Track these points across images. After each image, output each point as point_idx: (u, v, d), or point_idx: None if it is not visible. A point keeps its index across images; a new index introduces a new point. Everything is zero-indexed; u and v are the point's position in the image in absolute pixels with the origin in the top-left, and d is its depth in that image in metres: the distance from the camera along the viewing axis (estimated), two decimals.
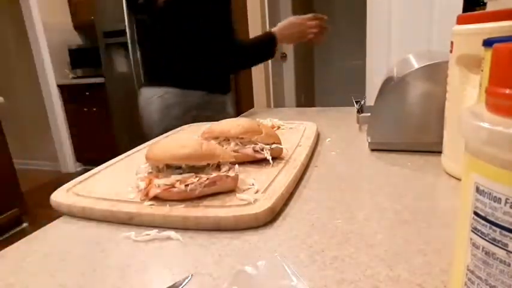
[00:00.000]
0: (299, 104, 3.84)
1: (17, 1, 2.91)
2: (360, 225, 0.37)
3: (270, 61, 3.01)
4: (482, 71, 0.30)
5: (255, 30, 2.81)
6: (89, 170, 0.55)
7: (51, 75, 3.10)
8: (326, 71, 4.57)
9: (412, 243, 0.33)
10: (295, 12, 3.50)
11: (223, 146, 0.53)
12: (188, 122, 0.91)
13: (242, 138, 0.54)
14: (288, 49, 3.50)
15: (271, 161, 0.52)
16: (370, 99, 0.84)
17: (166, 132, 0.82)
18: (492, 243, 0.17)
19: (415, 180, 0.47)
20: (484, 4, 0.43)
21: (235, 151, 0.53)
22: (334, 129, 0.78)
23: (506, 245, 0.16)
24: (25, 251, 0.36)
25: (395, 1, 2.01)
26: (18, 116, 3.36)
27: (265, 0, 2.83)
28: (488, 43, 0.30)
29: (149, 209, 0.40)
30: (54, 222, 0.42)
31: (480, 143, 0.17)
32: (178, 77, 1.01)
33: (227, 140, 0.55)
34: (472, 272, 0.18)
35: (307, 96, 4.33)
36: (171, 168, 0.44)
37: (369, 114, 0.61)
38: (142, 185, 0.42)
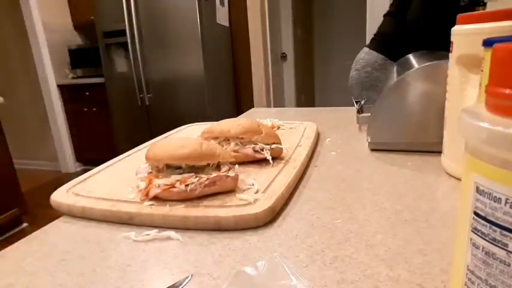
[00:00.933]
0: (299, 104, 3.84)
1: (17, 1, 2.91)
2: (360, 225, 0.37)
3: (269, 61, 3.02)
4: (482, 71, 0.30)
5: (254, 27, 2.82)
6: (89, 170, 0.55)
7: (51, 75, 3.10)
8: (326, 71, 4.57)
9: (412, 243, 0.33)
10: (295, 10, 3.50)
11: (223, 146, 0.53)
12: (361, 76, 1.11)
13: (242, 138, 0.54)
14: (288, 49, 3.50)
15: (271, 161, 0.52)
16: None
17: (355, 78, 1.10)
18: (492, 243, 0.17)
19: (415, 180, 0.47)
20: (484, 4, 0.43)
21: (235, 151, 0.53)
22: (334, 129, 0.78)
23: (506, 245, 0.16)
24: (25, 251, 0.36)
25: None
26: (18, 116, 3.36)
27: None
28: (488, 43, 0.30)
29: (149, 209, 0.40)
30: (54, 222, 0.42)
31: (480, 142, 0.17)
32: (376, 38, 1.17)
33: (227, 140, 0.55)
34: (472, 272, 0.18)
35: (307, 96, 4.33)
36: (171, 168, 0.44)
37: (369, 114, 0.61)
38: (143, 185, 0.42)
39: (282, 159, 0.54)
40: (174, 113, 2.52)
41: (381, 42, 1.19)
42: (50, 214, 0.42)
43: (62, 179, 3.11)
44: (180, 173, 0.43)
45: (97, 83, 2.90)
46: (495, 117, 0.17)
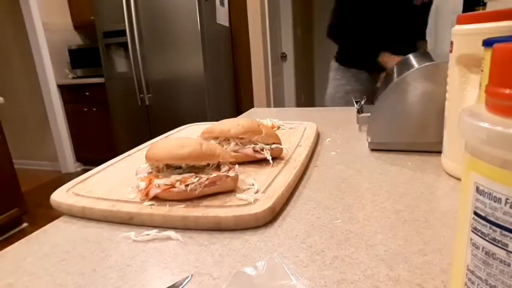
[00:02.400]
0: (299, 104, 3.84)
1: (17, 1, 2.91)
2: (360, 225, 0.37)
3: (269, 61, 3.02)
4: (482, 71, 0.30)
5: (254, 27, 2.82)
6: (89, 170, 0.55)
7: (51, 75, 3.10)
8: (326, 70, 4.57)
9: (412, 243, 0.33)
10: (295, 10, 3.50)
11: (223, 146, 0.53)
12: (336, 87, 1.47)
13: (242, 138, 0.54)
14: (288, 49, 3.50)
15: (271, 161, 0.52)
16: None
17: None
18: (492, 243, 0.17)
19: (415, 180, 0.47)
20: (484, 4, 0.43)
21: (235, 151, 0.53)
22: (334, 129, 0.78)
23: (506, 245, 0.16)
24: (25, 251, 0.36)
25: None
26: (18, 116, 3.36)
27: None
28: (488, 43, 0.30)
29: (149, 209, 0.40)
30: (54, 222, 0.42)
31: (480, 142, 0.17)
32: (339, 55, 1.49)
33: (227, 140, 0.55)
34: (472, 272, 0.18)
35: (307, 96, 4.33)
36: (171, 168, 0.44)
37: (369, 114, 0.61)
38: (143, 185, 0.42)
39: (282, 159, 0.54)
40: (174, 113, 2.52)
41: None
42: (50, 214, 0.42)
43: (62, 179, 3.11)
44: (180, 173, 0.43)
45: (97, 83, 2.90)
46: (495, 117, 0.17)
